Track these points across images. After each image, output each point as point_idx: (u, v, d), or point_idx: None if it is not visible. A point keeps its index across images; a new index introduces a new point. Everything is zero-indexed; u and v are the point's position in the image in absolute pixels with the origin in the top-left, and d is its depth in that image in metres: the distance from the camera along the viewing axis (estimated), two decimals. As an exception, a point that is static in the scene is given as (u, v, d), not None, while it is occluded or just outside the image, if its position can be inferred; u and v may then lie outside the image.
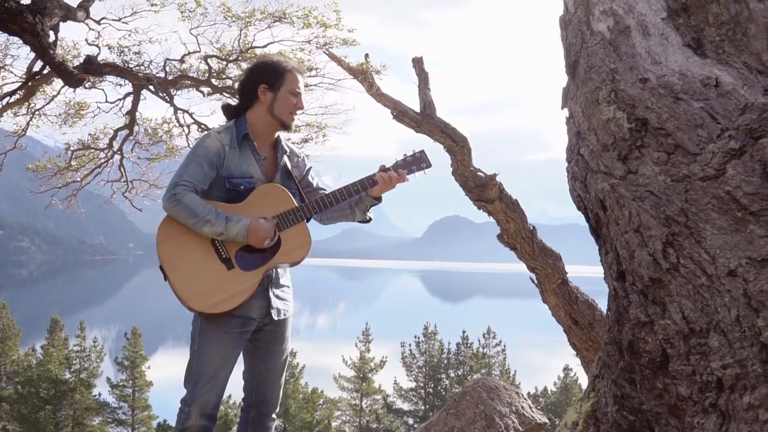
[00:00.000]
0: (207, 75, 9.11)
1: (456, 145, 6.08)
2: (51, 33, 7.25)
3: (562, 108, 2.55)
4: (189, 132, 10.03)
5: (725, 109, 1.92)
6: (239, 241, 2.79)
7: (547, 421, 4.17)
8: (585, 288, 6.16)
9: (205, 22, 8.83)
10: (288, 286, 3.06)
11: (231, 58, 8.99)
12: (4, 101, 9.12)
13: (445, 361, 35.62)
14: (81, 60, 8.30)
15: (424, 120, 6.10)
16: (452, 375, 35.02)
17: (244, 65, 9.02)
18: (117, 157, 10.39)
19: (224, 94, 9.19)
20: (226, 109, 3.06)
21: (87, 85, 8.80)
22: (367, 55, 7.20)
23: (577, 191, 2.39)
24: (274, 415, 3.12)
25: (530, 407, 4.19)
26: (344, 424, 34.86)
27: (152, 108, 10.42)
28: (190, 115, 9.85)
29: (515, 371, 35.13)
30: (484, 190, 6.01)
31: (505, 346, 35.34)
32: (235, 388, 3.09)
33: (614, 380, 2.17)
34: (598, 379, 2.35)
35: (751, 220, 1.77)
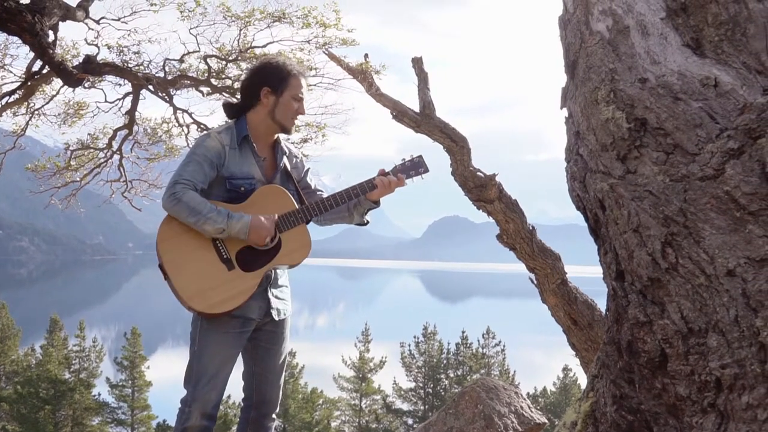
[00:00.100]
0: (206, 75, 9.11)
1: (455, 145, 6.08)
2: (50, 33, 7.26)
3: (561, 108, 2.55)
4: (188, 132, 10.03)
5: (724, 109, 1.92)
6: (241, 238, 2.79)
7: (546, 421, 4.17)
8: (584, 288, 6.16)
9: (204, 21, 8.83)
10: (286, 286, 3.07)
11: (230, 58, 8.99)
12: (4, 101, 9.12)
13: (445, 362, 35.64)
14: (80, 60, 8.30)
15: (424, 120, 6.10)
16: (451, 375, 35.03)
17: (244, 65, 9.02)
18: (116, 156, 10.39)
19: (223, 93, 9.18)
20: (227, 107, 3.06)
21: (86, 85, 8.79)
22: (366, 55, 7.20)
23: (576, 191, 2.39)
24: (274, 415, 3.12)
25: (529, 407, 4.19)
26: (344, 424, 34.89)
27: (151, 108, 10.41)
28: (190, 114, 9.85)
29: (514, 371, 35.15)
30: (483, 190, 6.01)
31: (504, 346, 35.36)
32: (234, 388, 3.09)
33: (613, 380, 2.17)
34: (597, 379, 2.35)
35: (749, 219, 1.77)
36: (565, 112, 2.53)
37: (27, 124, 10.03)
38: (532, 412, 4.15)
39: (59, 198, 10.63)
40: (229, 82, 9.21)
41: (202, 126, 9.83)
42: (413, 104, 6.22)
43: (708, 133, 1.91)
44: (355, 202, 3.07)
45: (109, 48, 8.94)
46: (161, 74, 9.02)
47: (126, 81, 9.23)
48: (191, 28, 8.90)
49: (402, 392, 35.14)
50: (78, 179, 10.52)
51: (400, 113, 6.21)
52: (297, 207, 2.94)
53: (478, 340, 35.66)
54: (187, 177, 2.78)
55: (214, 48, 9.00)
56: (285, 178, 3.05)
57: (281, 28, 8.72)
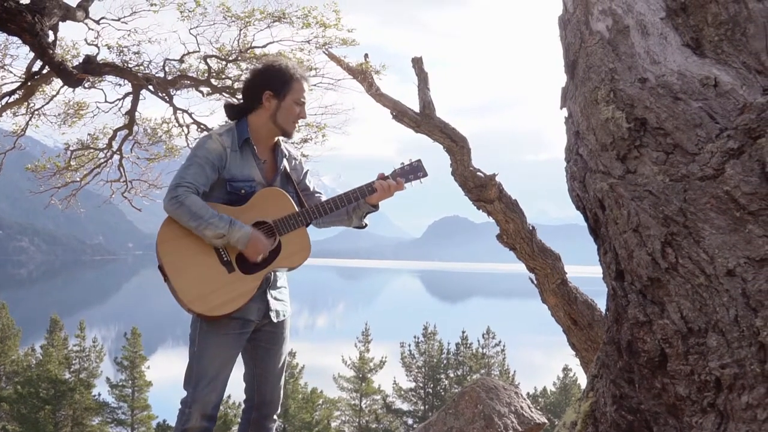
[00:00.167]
0: (206, 75, 9.11)
1: (455, 145, 6.08)
2: (50, 33, 7.26)
3: (561, 108, 2.55)
4: (188, 132, 10.02)
5: (724, 109, 1.92)
6: (239, 247, 2.79)
7: (546, 421, 4.17)
8: (584, 288, 6.16)
9: (204, 22, 8.83)
10: (285, 287, 3.08)
11: (230, 58, 8.98)
12: (4, 101, 9.12)
13: (445, 362, 35.63)
14: (80, 60, 8.30)
15: (424, 120, 6.10)
16: (451, 375, 35.02)
17: (244, 65, 9.02)
18: (116, 157, 10.38)
19: (223, 94, 9.18)
20: (229, 108, 3.05)
21: (86, 85, 8.79)
22: (366, 55, 7.20)
23: (575, 191, 2.39)
24: (275, 416, 3.13)
25: (529, 407, 4.19)
26: (343, 424, 34.87)
27: (151, 108, 10.41)
28: (190, 115, 9.84)
29: (514, 371, 35.14)
30: (483, 190, 6.01)
31: (504, 346, 35.35)
32: (234, 388, 3.09)
33: (613, 380, 2.17)
34: (596, 378, 2.35)
35: (749, 219, 1.78)
36: (564, 112, 2.53)
37: (27, 124, 10.03)
38: (532, 412, 4.15)
39: (59, 198, 10.63)
40: (229, 83, 9.21)
41: (202, 126, 9.83)
42: (413, 104, 6.22)
43: (708, 132, 1.91)
44: (354, 206, 3.09)
45: (109, 48, 8.95)
46: (161, 74, 9.02)
47: (126, 81, 9.22)
48: (191, 29, 8.90)
49: (402, 392, 35.13)
50: (78, 179, 10.52)
51: (400, 113, 6.21)
52: (297, 210, 2.94)
53: (478, 340, 35.65)
54: (189, 180, 2.78)
55: (214, 48, 9.00)
56: (285, 180, 3.05)
57: (281, 28, 8.72)
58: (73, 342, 32.74)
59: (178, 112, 9.75)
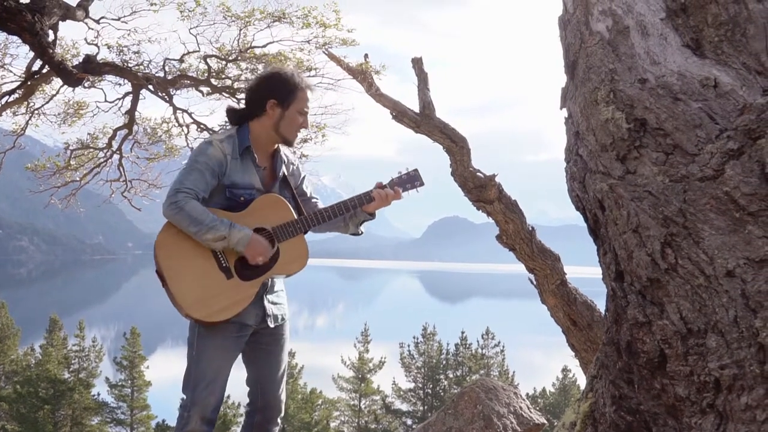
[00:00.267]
0: (206, 75, 9.11)
1: (455, 145, 6.08)
2: (50, 32, 7.25)
3: (561, 108, 2.55)
4: (188, 132, 10.02)
5: (724, 110, 1.92)
6: (238, 249, 2.79)
7: (545, 421, 4.17)
8: (584, 289, 6.16)
9: (204, 21, 8.82)
10: (282, 290, 3.09)
11: (230, 58, 8.98)
12: (3, 100, 9.11)
13: (444, 362, 35.62)
14: (80, 59, 8.29)
15: (424, 120, 6.10)
16: (451, 376, 35.02)
17: (244, 65, 9.02)
18: (116, 156, 10.38)
19: (223, 93, 9.18)
20: (231, 113, 3.05)
21: (86, 85, 8.79)
22: (366, 55, 7.20)
23: (575, 191, 2.39)
24: (279, 420, 3.13)
25: (528, 408, 4.19)
26: (343, 424, 34.87)
27: (151, 107, 10.41)
28: (190, 114, 9.84)
29: (514, 372, 35.14)
30: (483, 191, 6.01)
31: (503, 346, 35.34)
32: (233, 388, 3.09)
33: (612, 381, 2.17)
34: (596, 379, 2.35)
35: (749, 220, 1.77)
36: (564, 113, 2.53)
37: (27, 123, 10.02)
38: (531, 412, 4.15)
39: (59, 198, 10.62)
40: (228, 82, 9.21)
41: (201, 126, 9.83)
42: (413, 104, 6.22)
43: (708, 133, 1.91)
44: (352, 213, 3.09)
45: (109, 48, 8.94)
46: (161, 74, 9.02)
47: (126, 81, 9.22)
48: (191, 28, 8.90)
49: (401, 393, 35.13)
50: (78, 179, 10.51)
51: (399, 113, 6.21)
52: (295, 217, 2.95)
53: (478, 341, 35.64)
54: (189, 186, 2.78)
55: (214, 48, 9.00)
56: (283, 186, 3.06)
57: (281, 28, 8.71)
58: (73, 342, 32.73)
59: (177, 111, 9.75)
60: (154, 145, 10.55)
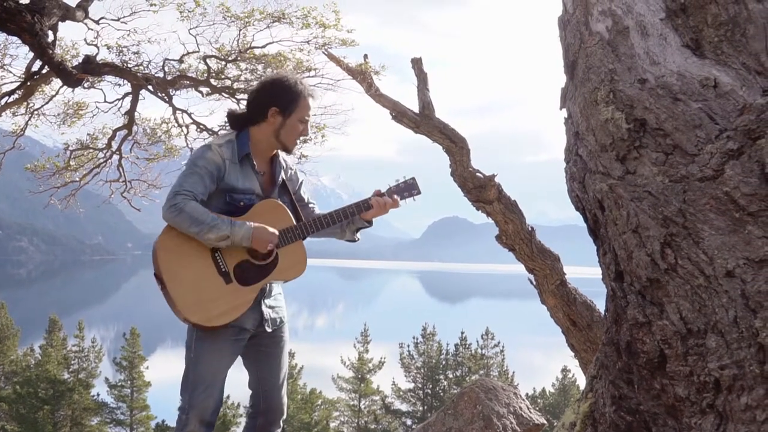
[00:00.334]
0: (206, 75, 9.11)
1: (455, 145, 6.08)
2: (50, 33, 7.25)
3: (561, 108, 2.55)
4: (188, 132, 10.01)
5: (724, 110, 1.92)
6: (243, 245, 2.80)
7: (545, 421, 4.17)
8: (583, 289, 6.16)
9: (204, 22, 8.82)
10: (279, 293, 3.10)
11: (230, 58, 8.98)
12: (3, 101, 9.11)
13: (444, 362, 35.61)
14: (80, 60, 8.29)
15: (423, 120, 6.10)
16: (450, 376, 35.00)
17: (243, 65, 9.01)
18: (115, 157, 10.37)
19: (223, 94, 9.18)
20: (232, 118, 3.05)
21: (86, 85, 8.78)
22: (366, 56, 7.21)
23: (575, 192, 2.39)
24: (281, 422, 3.14)
25: (528, 408, 4.19)
26: (342, 424, 34.86)
27: (151, 108, 10.40)
28: (189, 115, 9.83)
29: (513, 372, 35.12)
30: (482, 191, 6.01)
31: (503, 347, 35.32)
32: (234, 388, 3.10)
33: (612, 381, 2.17)
34: (595, 379, 2.35)
35: (749, 220, 1.77)
36: (564, 113, 2.53)
37: (26, 124, 10.02)
38: (530, 412, 4.15)
39: (58, 198, 10.61)
40: (228, 83, 9.21)
41: (201, 126, 9.82)
42: (413, 105, 6.23)
43: (707, 133, 1.91)
44: (350, 221, 3.10)
45: (108, 48, 8.93)
46: (161, 74, 9.01)
47: (125, 81, 9.21)
48: (191, 29, 8.89)
49: (401, 393, 35.12)
50: (77, 179, 10.51)
51: (399, 114, 6.21)
52: (294, 223, 2.96)
53: (477, 341, 35.63)
54: (187, 188, 2.78)
55: (213, 48, 9.00)
56: (282, 191, 3.08)
57: (281, 28, 8.71)
58: (72, 342, 32.71)
59: (177, 112, 9.74)
60: (153, 145, 10.54)
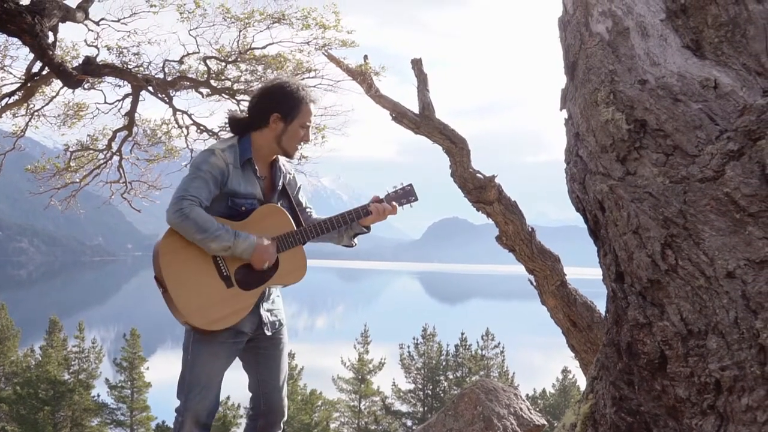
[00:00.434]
0: (206, 76, 9.11)
1: (455, 146, 6.08)
2: (50, 34, 7.26)
3: (561, 109, 2.55)
4: (188, 133, 10.02)
5: (724, 111, 1.92)
6: (244, 257, 2.82)
7: (545, 422, 4.17)
8: (584, 290, 6.16)
9: (204, 23, 8.83)
10: (278, 296, 3.11)
11: (230, 60, 8.99)
12: (3, 102, 9.12)
13: (444, 363, 35.59)
14: (80, 61, 8.29)
15: (423, 121, 6.10)
16: (451, 377, 34.99)
17: (243, 66, 9.02)
18: (116, 158, 10.38)
19: (223, 95, 9.19)
20: (233, 123, 3.05)
21: (86, 86, 8.79)
22: (366, 57, 7.21)
23: (575, 192, 2.39)
24: (282, 423, 3.14)
25: (528, 409, 4.19)
26: (343, 425, 34.85)
27: (151, 109, 10.41)
28: (189, 116, 9.84)
29: (514, 373, 35.11)
30: (482, 192, 6.01)
31: (503, 347, 35.31)
32: (233, 388, 3.10)
33: (612, 382, 2.17)
34: (596, 380, 2.35)
35: (749, 221, 1.77)
36: (564, 114, 2.53)
37: (27, 125, 10.03)
38: (531, 413, 4.15)
39: (59, 199, 10.62)
40: (228, 84, 9.21)
41: (201, 127, 9.83)
42: (413, 105, 6.23)
43: (708, 134, 1.91)
44: (348, 226, 3.12)
45: (108, 49, 8.95)
46: (161, 75, 9.02)
47: (125, 82, 9.23)
48: (191, 30, 8.90)
49: (401, 394, 35.11)
50: (77, 180, 10.52)
51: (399, 114, 6.21)
52: (294, 228, 2.97)
53: (478, 342, 35.61)
54: (193, 193, 2.79)
55: (213, 49, 9.01)
56: (282, 196, 3.10)
57: (281, 29, 8.72)
58: (73, 343, 32.72)
59: (177, 113, 9.75)
60: (153, 146, 10.56)
